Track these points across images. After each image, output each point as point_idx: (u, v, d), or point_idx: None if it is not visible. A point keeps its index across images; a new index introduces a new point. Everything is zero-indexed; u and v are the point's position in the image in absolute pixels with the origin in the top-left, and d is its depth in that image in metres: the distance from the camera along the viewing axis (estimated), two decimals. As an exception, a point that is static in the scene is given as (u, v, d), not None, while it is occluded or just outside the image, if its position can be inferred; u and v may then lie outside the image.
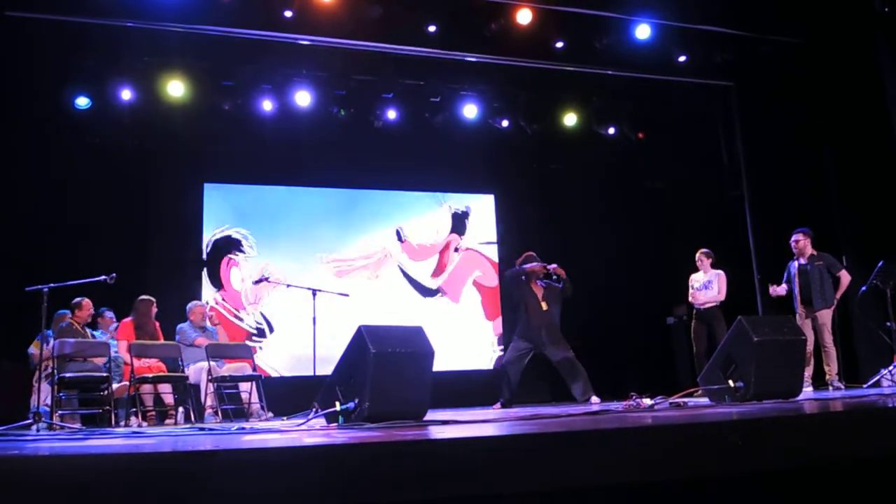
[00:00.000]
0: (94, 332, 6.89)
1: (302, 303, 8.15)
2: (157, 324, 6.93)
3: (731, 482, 2.39)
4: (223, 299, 8.86)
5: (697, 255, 7.60)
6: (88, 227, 7.72)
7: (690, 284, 7.61)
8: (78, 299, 6.53)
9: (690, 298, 7.56)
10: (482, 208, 10.21)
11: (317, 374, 7.34)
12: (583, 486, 2.21)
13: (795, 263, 7.11)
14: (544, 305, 7.03)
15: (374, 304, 9.32)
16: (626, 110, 9.60)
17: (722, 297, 7.41)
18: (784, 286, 7.14)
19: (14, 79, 7.11)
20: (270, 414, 6.48)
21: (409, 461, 2.19)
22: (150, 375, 6.41)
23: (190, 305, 7.22)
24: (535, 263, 7.06)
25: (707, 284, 7.48)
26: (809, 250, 7.05)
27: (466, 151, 9.42)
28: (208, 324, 7.26)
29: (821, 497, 2.49)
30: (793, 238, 7.11)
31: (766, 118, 8.48)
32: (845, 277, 6.93)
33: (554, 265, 7.08)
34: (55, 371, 5.90)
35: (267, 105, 8.45)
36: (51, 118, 7.81)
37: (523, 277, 7.07)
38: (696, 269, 7.63)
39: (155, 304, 6.87)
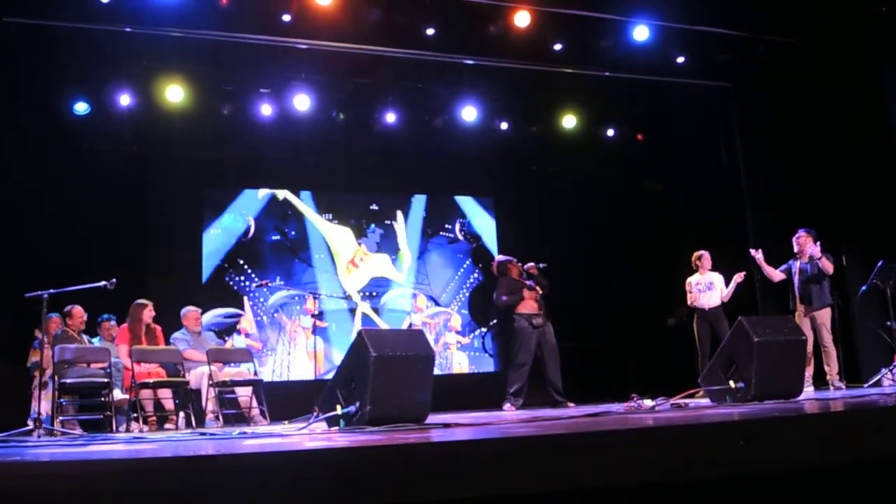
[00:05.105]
0: (93, 340, 6.88)
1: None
2: (160, 328, 6.90)
3: (732, 483, 2.38)
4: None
5: (700, 256, 7.55)
6: (88, 233, 7.70)
7: (690, 286, 7.56)
8: (69, 307, 6.51)
9: (697, 301, 7.48)
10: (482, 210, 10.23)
11: (318, 377, 7.35)
12: (585, 488, 2.21)
13: (797, 262, 7.11)
14: (539, 290, 7.20)
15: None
16: (625, 112, 9.60)
17: (727, 297, 7.43)
18: (779, 273, 7.15)
19: (13, 84, 7.11)
20: (266, 421, 6.46)
21: (410, 464, 2.18)
22: (151, 381, 6.40)
23: (183, 311, 7.16)
24: (513, 270, 7.29)
25: (709, 286, 7.46)
26: (809, 249, 7.04)
27: (466, 154, 9.43)
28: (202, 328, 7.24)
29: (822, 497, 2.49)
30: (796, 236, 7.11)
31: (765, 119, 8.47)
32: (825, 263, 6.92)
33: (529, 264, 7.29)
34: (55, 377, 5.88)
35: (266, 109, 8.45)
36: (49, 123, 7.80)
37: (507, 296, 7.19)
38: (692, 272, 7.61)
39: (150, 308, 6.80)
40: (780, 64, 8.24)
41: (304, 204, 9.38)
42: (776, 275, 7.18)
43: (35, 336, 6.55)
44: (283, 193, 9.30)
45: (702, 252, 7.58)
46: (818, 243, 6.95)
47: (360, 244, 9.52)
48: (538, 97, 9.18)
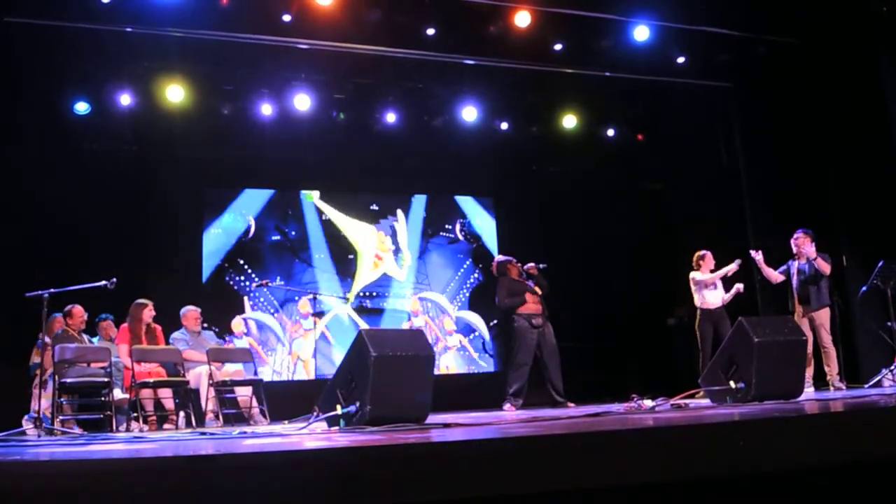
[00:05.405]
0: (93, 339, 6.88)
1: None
2: (160, 328, 6.89)
3: (732, 483, 2.38)
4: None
5: (703, 256, 7.47)
6: (88, 233, 7.71)
7: (700, 284, 7.44)
8: (69, 307, 6.50)
9: (707, 301, 7.37)
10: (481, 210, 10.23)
11: (318, 377, 7.36)
12: (585, 488, 2.21)
13: (795, 263, 7.11)
14: (539, 291, 7.23)
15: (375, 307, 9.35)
16: (625, 112, 9.61)
17: (726, 302, 7.39)
18: (779, 275, 7.14)
19: (13, 84, 7.11)
20: (266, 421, 6.46)
21: (410, 464, 2.18)
22: (151, 380, 6.40)
23: (183, 311, 7.16)
24: (512, 270, 7.31)
25: (716, 284, 7.43)
26: (808, 248, 7.03)
27: (466, 154, 9.43)
28: (202, 328, 7.24)
29: (822, 498, 2.49)
30: (794, 237, 7.10)
31: (765, 119, 8.47)
32: (820, 263, 6.90)
33: (529, 265, 7.30)
34: (55, 376, 5.88)
35: (266, 109, 8.45)
36: (50, 123, 7.81)
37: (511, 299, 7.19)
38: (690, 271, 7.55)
39: (150, 308, 6.79)
40: (780, 64, 8.24)
41: (329, 206, 9.43)
42: (775, 276, 7.18)
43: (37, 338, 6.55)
44: (314, 194, 9.41)
45: (704, 252, 7.52)
46: (813, 244, 6.95)
47: (378, 231, 9.58)
48: (538, 97, 9.18)
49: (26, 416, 5.88)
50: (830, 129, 8.04)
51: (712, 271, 7.46)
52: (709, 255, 7.50)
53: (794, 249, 7.10)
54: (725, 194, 8.95)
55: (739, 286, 7.27)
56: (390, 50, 7.84)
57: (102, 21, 6.96)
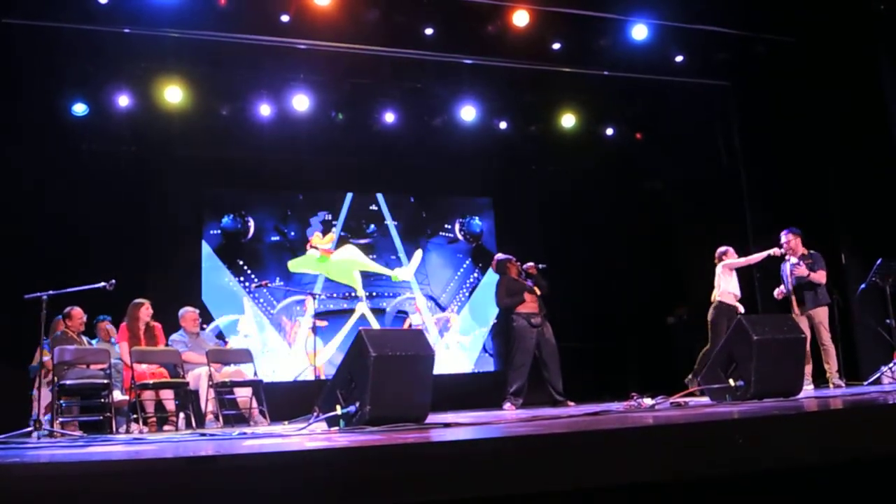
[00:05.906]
0: (92, 341, 6.86)
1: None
2: (159, 326, 6.86)
3: (732, 482, 2.39)
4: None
5: (726, 252, 7.33)
6: (88, 233, 7.71)
7: (729, 269, 7.27)
8: (68, 309, 6.49)
9: (731, 291, 7.20)
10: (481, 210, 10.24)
11: (318, 378, 7.36)
12: (585, 488, 2.21)
13: (788, 263, 7.10)
14: (538, 290, 7.23)
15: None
16: (624, 111, 9.60)
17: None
18: (782, 288, 7.14)
19: (12, 84, 7.11)
20: (266, 422, 6.46)
21: (410, 464, 2.19)
22: (151, 382, 6.39)
23: (181, 312, 7.15)
24: (512, 269, 7.31)
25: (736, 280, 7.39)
26: (800, 249, 7.02)
27: (465, 154, 9.43)
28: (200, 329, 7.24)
29: (822, 496, 2.49)
30: (782, 239, 7.08)
31: (765, 118, 8.47)
32: (815, 276, 6.88)
33: (529, 264, 7.31)
34: (55, 378, 5.87)
35: (265, 109, 8.45)
36: (49, 124, 7.80)
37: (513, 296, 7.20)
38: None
39: (147, 306, 6.74)
40: (779, 63, 8.24)
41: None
42: (781, 290, 7.16)
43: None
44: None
45: (727, 248, 7.44)
46: (801, 263, 6.92)
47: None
48: (537, 96, 9.18)
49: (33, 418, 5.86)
50: (830, 129, 8.03)
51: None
52: (731, 251, 7.43)
53: (786, 250, 7.07)
54: (725, 194, 8.95)
55: (739, 310, 7.22)
56: (389, 50, 7.84)
57: (101, 22, 6.96)
